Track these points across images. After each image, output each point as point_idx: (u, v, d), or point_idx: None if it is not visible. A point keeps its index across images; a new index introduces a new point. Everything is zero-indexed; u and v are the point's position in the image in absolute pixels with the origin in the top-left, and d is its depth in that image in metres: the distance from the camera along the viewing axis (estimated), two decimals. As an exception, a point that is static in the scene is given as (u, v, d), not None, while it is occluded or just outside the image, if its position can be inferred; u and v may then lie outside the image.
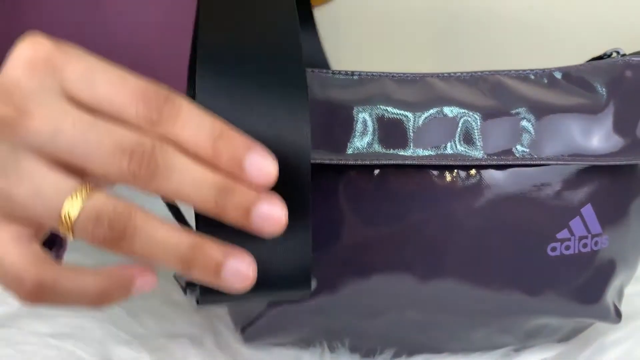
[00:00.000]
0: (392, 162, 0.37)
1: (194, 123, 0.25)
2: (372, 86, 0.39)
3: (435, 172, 0.37)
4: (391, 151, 0.37)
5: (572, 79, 0.40)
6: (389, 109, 0.38)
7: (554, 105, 0.38)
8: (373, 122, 0.37)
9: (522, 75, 0.40)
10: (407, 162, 0.37)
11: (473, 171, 0.38)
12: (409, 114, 0.37)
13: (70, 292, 0.25)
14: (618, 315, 0.41)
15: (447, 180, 0.37)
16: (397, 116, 0.37)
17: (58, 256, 0.36)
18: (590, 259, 0.39)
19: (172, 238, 0.25)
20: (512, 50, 1.02)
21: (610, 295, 0.41)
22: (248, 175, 0.25)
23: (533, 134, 0.37)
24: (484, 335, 0.41)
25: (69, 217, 0.24)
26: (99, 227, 0.24)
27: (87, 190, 0.25)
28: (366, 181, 0.37)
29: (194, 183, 0.25)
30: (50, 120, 0.25)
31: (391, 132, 0.37)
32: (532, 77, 0.40)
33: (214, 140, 0.25)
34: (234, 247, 0.25)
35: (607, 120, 0.38)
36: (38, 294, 0.25)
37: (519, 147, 0.37)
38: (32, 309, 0.43)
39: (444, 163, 0.37)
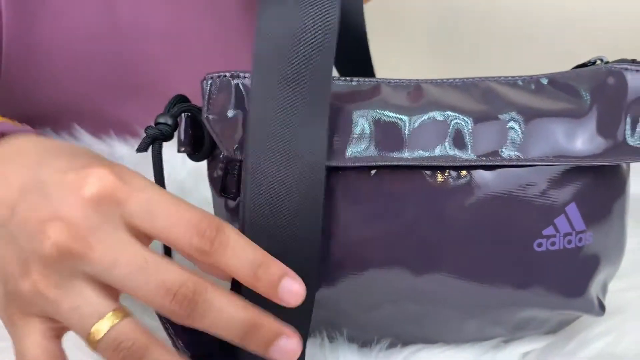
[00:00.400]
0: (387, 163, 0.39)
1: (240, 253, 0.31)
2: (369, 91, 0.41)
3: (428, 173, 0.40)
4: (387, 153, 0.39)
5: (558, 85, 0.42)
6: (386, 112, 0.40)
7: (540, 110, 0.41)
8: (370, 126, 0.40)
9: (510, 82, 0.42)
10: (401, 163, 0.39)
11: (464, 172, 0.40)
12: (405, 118, 0.40)
13: None
14: (601, 308, 0.44)
15: (439, 180, 0.40)
16: (393, 119, 0.40)
17: None
18: (575, 255, 0.41)
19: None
20: (508, 51, 1.04)
21: (594, 289, 0.43)
22: (280, 297, 0.31)
23: (520, 136, 0.40)
24: (475, 327, 0.44)
25: (95, 336, 0.29)
26: (116, 354, 0.28)
27: (119, 315, 0.29)
28: (363, 181, 0.40)
29: (226, 323, 0.30)
30: (109, 254, 0.29)
31: (387, 135, 0.40)
32: (520, 83, 0.42)
33: (256, 268, 0.31)
34: (286, 326, 0.31)
35: (590, 123, 0.41)
36: None
37: (507, 149, 0.40)
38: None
39: (436, 164, 0.39)
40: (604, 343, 0.46)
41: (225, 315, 0.30)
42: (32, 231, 0.29)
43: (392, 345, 0.44)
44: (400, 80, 0.42)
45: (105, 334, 0.28)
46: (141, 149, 0.40)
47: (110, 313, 0.29)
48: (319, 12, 0.38)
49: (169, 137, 0.40)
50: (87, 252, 0.29)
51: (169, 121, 0.40)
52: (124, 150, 0.66)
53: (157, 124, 0.40)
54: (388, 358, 0.43)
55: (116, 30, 0.59)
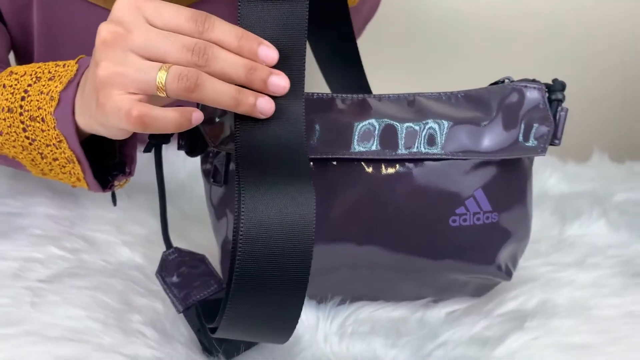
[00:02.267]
0: (336, 156, 0.51)
1: (225, 30, 0.42)
2: (325, 102, 0.53)
3: (365, 165, 0.52)
4: (335, 149, 0.51)
5: (472, 98, 0.54)
6: (339, 118, 0.52)
7: (456, 117, 0.53)
8: (322, 128, 0.52)
9: (435, 97, 0.55)
10: (345, 156, 0.51)
11: (397, 165, 0.52)
12: (355, 123, 0.52)
13: (161, 120, 0.42)
14: (508, 274, 0.56)
15: (377, 171, 0.52)
16: (344, 124, 0.52)
17: (130, 173, 0.55)
18: (483, 230, 0.53)
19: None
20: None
21: (502, 259, 0.55)
22: (260, 58, 0.42)
23: (439, 137, 0.52)
24: (408, 288, 0.56)
25: (162, 82, 0.41)
26: (181, 82, 0.40)
27: (168, 66, 0.41)
28: (318, 171, 0.52)
29: (232, 65, 0.42)
30: (143, 34, 0.41)
31: (338, 135, 0.52)
32: (443, 97, 0.55)
33: (238, 39, 0.42)
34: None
35: (496, 127, 0.53)
36: (142, 120, 0.41)
37: (428, 147, 0.52)
38: (73, 269, 0.58)
39: (373, 157, 0.51)
40: (516, 304, 0.57)
41: (230, 61, 0.41)
42: (96, 42, 0.43)
43: (342, 302, 0.56)
44: (349, 95, 0.55)
45: (167, 76, 0.40)
46: (147, 150, 0.52)
47: (162, 65, 0.41)
48: None
49: (167, 142, 0.52)
50: (129, 34, 0.41)
51: None
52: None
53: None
54: (338, 312, 0.54)
55: None
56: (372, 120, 0.52)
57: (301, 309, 0.42)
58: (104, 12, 0.69)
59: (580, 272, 0.62)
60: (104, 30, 0.42)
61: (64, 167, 0.52)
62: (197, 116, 0.43)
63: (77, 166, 0.51)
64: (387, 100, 0.54)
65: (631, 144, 1.07)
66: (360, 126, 0.52)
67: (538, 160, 0.85)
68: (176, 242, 0.53)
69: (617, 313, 0.56)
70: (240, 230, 0.40)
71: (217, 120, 0.52)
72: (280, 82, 0.43)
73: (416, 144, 0.51)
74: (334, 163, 0.52)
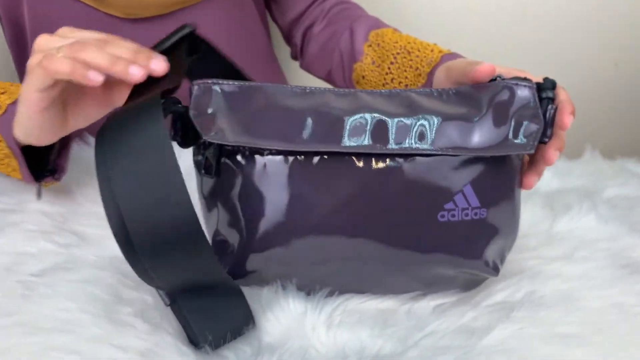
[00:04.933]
0: (327, 149, 0.52)
1: (125, 47, 0.52)
2: (317, 96, 0.54)
3: (356, 159, 0.52)
4: (327, 143, 0.52)
5: (463, 95, 0.55)
6: (330, 112, 0.53)
7: (447, 114, 0.53)
8: (314, 122, 0.52)
9: (426, 93, 0.55)
10: (336, 150, 0.52)
11: (388, 160, 0.53)
12: (346, 118, 0.52)
13: (56, 63, 0.52)
14: (496, 270, 0.56)
15: (367, 165, 0.52)
16: (335, 118, 0.53)
17: (57, 179, 0.66)
18: (471, 225, 0.53)
19: (121, 52, 0.53)
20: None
21: (490, 254, 0.55)
22: (152, 69, 0.52)
23: (429, 133, 0.53)
24: (396, 281, 0.56)
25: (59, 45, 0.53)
26: (73, 46, 0.52)
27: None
28: (309, 165, 0.52)
29: (122, 49, 0.53)
30: (59, 38, 0.54)
31: (329, 129, 0.52)
32: (435, 94, 0.55)
33: (135, 53, 0.52)
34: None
35: (486, 124, 0.53)
36: (42, 64, 0.53)
37: (418, 143, 0.52)
38: (65, 263, 0.58)
39: (363, 152, 0.52)
40: (504, 295, 0.58)
41: (123, 47, 0.52)
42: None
43: (330, 294, 0.56)
44: (341, 89, 0.55)
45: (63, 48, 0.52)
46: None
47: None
48: None
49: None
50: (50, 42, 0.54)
51: None
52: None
53: None
54: (326, 303, 0.55)
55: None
56: (364, 115, 0.52)
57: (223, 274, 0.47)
58: (89, 10, 0.72)
59: (568, 265, 0.62)
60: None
61: (2, 160, 0.65)
62: (93, 76, 0.51)
63: (14, 160, 0.64)
64: (379, 95, 0.55)
65: (623, 141, 1.07)
66: (352, 120, 0.52)
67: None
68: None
69: (605, 304, 0.57)
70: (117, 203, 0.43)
71: (209, 111, 0.52)
72: (160, 63, 0.52)
73: (407, 139, 0.52)
74: (325, 157, 0.52)
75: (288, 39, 1.03)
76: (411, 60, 0.79)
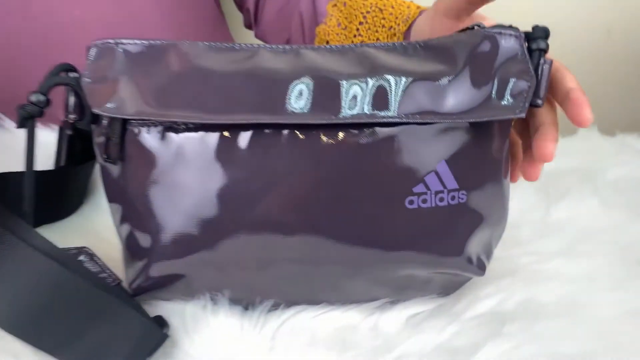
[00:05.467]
0: (262, 121, 0.40)
1: None
2: (249, 55, 0.42)
3: (299, 133, 0.40)
4: (262, 114, 0.40)
5: (433, 48, 0.43)
6: (266, 74, 0.41)
7: (413, 72, 0.41)
8: (245, 87, 0.40)
9: (387, 47, 0.43)
10: (275, 121, 0.40)
11: (339, 133, 0.41)
12: (287, 81, 0.40)
13: None
14: (481, 268, 0.44)
15: (314, 141, 0.40)
16: (271, 81, 0.40)
17: None
18: (448, 213, 0.42)
19: None
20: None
21: (473, 249, 0.44)
22: None
23: (391, 97, 0.41)
24: (358, 287, 0.44)
25: None
26: None
27: None
28: (239, 143, 0.40)
29: None
30: None
31: (264, 96, 0.40)
32: (398, 48, 0.43)
33: None
34: None
35: (462, 83, 0.41)
36: None
37: (378, 109, 0.40)
38: None
39: (307, 123, 0.40)
40: (492, 303, 0.47)
41: None
42: None
43: (274, 307, 0.44)
44: (279, 46, 0.43)
45: None
46: (19, 126, 0.42)
47: None
48: None
49: (39, 114, 0.41)
50: None
51: (40, 98, 0.41)
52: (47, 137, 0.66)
53: (28, 102, 0.41)
54: (268, 319, 0.43)
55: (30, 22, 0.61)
56: (308, 76, 0.41)
57: None
58: None
59: (569, 263, 0.51)
60: None
61: None
62: None
63: None
64: (327, 52, 0.43)
65: (621, 115, 0.96)
66: (294, 84, 0.41)
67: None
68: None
69: (617, 312, 0.46)
70: None
71: (108, 78, 0.40)
72: None
73: (363, 106, 0.40)
74: (260, 132, 0.40)
75: (240, 4, 0.90)
76: (384, 18, 0.66)
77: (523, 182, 0.64)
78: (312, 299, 0.45)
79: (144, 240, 0.42)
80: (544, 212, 0.60)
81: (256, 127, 0.41)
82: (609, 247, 0.54)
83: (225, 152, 0.40)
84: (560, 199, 0.61)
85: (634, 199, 0.62)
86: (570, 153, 0.72)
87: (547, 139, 0.43)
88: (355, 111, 0.40)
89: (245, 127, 0.41)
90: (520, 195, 0.61)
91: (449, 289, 0.47)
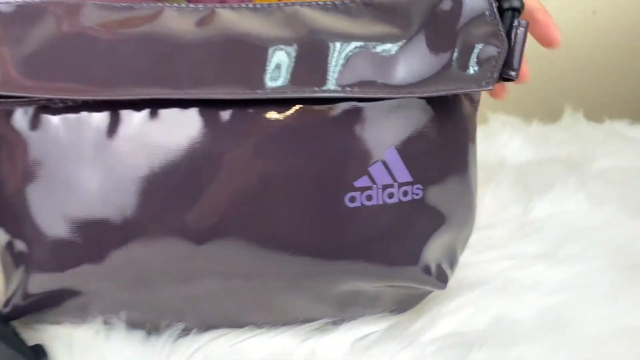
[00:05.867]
0: (152, 97, 0.31)
1: None
2: (148, 15, 0.33)
3: (205, 113, 0.32)
4: (160, 87, 0.31)
5: (380, 7, 0.35)
6: (167, 39, 0.32)
7: (354, 35, 0.33)
8: (139, 54, 0.32)
9: (325, 6, 0.35)
10: (173, 96, 0.31)
11: (260, 112, 0.32)
12: (190, 46, 0.32)
13: None
14: (442, 279, 0.36)
15: (225, 122, 0.32)
16: (173, 47, 0.32)
17: None
18: (400, 212, 0.34)
19: None
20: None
21: (432, 256, 0.35)
22: None
23: (329, 65, 0.32)
24: (291, 305, 0.36)
25: None
26: None
27: None
28: (129, 125, 0.32)
29: None
30: None
31: (163, 65, 0.32)
32: (338, 5, 0.35)
33: None
34: None
35: (417, 49, 0.33)
36: None
37: (309, 82, 0.32)
38: None
39: (214, 97, 0.31)
40: (457, 322, 0.38)
41: None
42: None
43: (185, 332, 0.35)
44: (189, 6, 0.35)
45: None
46: None
47: None
48: None
49: None
50: None
51: None
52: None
53: None
54: (177, 348, 0.34)
55: None
56: (221, 42, 0.32)
57: None
58: None
59: (552, 269, 0.43)
60: None
61: None
62: None
63: None
64: (249, 11, 0.35)
65: (609, 100, 0.89)
66: (200, 49, 0.32)
67: (493, 120, 0.66)
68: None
69: (608, 329, 0.38)
70: None
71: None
72: None
73: (287, 76, 0.32)
74: (157, 111, 0.32)
75: None
76: None
77: (500, 176, 0.56)
78: (235, 321, 0.37)
79: (21, 248, 0.34)
80: (521, 208, 0.52)
81: (153, 105, 0.32)
82: (598, 249, 0.46)
83: (114, 137, 0.32)
84: (541, 194, 0.53)
85: (625, 192, 0.54)
86: (552, 141, 0.65)
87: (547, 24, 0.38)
88: (279, 82, 0.31)
89: (139, 104, 0.32)
90: (494, 188, 0.53)
91: (404, 304, 0.39)
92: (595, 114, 0.73)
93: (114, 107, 0.32)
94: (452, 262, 0.38)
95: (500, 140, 0.63)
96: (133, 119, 0.32)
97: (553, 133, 0.67)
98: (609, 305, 0.40)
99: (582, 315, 0.39)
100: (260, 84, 0.31)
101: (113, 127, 0.32)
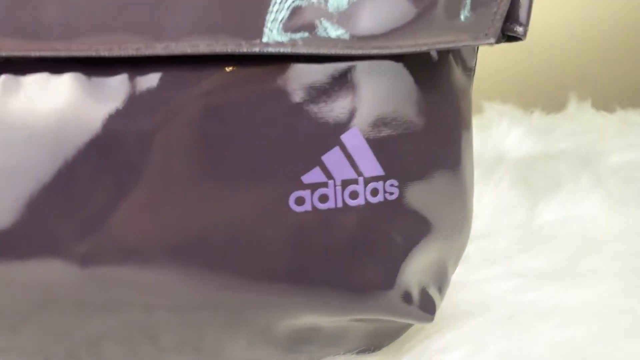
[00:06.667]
0: (23, 54, 0.22)
1: None
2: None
3: (79, 75, 0.22)
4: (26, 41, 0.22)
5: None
6: None
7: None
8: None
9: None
10: (44, 54, 0.22)
11: (154, 75, 0.23)
12: None
13: None
14: (426, 309, 0.27)
15: (103, 88, 0.22)
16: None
17: None
18: (367, 219, 0.24)
19: None
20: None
21: (413, 279, 0.26)
22: None
23: (266, 15, 0.23)
24: (228, 344, 0.27)
25: None
26: None
27: None
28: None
29: None
30: None
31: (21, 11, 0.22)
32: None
33: None
34: None
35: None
36: None
37: (239, 38, 0.22)
38: None
39: (97, 54, 0.22)
40: (449, 363, 0.29)
41: None
42: None
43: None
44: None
45: None
46: None
47: None
48: None
49: None
50: None
51: None
52: None
53: None
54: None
55: None
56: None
57: None
58: None
59: (569, 291, 0.35)
60: None
61: None
62: None
63: None
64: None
65: (621, 87, 0.81)
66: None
67: (489, 109, 0.58)
68: None
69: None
70: None
71: None
72: None
73: (190, 23, 0.22)
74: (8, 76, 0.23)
75: None
76: None
77: (498, 173, 0.48)
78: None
79: None
80: (526, 213, 0.43)
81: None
82: (622, 264, 0.38)
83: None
84: (548, 195, 0.45)
85: (649, 191, 0.45)
86: (557, 133, 0.57)
87: None
88: (192, 38, 0.22)
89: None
90: (492, 188, 0.45)
91: (377, 340, 0.29)
92: (604, 102, 0.65)
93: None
94: (442, 284, 0.28)
95: (498, 132, 0.55)
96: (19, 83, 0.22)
97: (558, 124, 0.60)
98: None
99: (613, 352, 0.30)
100: (164, 34, 0.22)
101: None
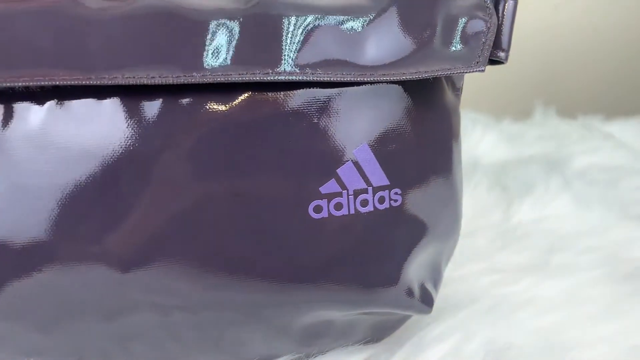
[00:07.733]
0: (60, 82, 0.24)
1: None
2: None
3: (127, 101, 0.25)
4: (63, 71, 0.24)
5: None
6: (77, 16, 0.25)
7: (315, 7, 0.27)
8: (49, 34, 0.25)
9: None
10: (80, 81, 0.24)
11: (203, 102, 0.25)
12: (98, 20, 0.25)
13: None
14: (426, 301, 0.30)
15: (146, 112, 0.25)
16: (77, 21, 0.25)
17: None
18: (376, 223, 0.27)
19: None
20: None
21: (414, 275, 0.30)
22: None
23: (284, 42, 0.26)
24: (247, 340, 0.29)
25: None
26: None
27: None
28: (28, 118, 0.25)
29: None
30: None
31: (64, 42, 0.25)
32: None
33: None
34: None
35: (389, 24, 0.27)
36: None
37: (261, 62, 0.25)
38: None
39: (136, 82, 0.24)
40: (442, 352, 0.32)
41: None
42: None
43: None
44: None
45: None
46: None
47: None
48: None
49: None
50: None
51: None
52: None
53: None
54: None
55: None
56: (149, 13, 0.25)
57: None
58: None
59: (544, 282, 0.38)
60: None
61: None
62: None
63: None
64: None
65: (582, 95, 0.84)
66: (114, 25, 0.25)
67: (462, 117, 0.61)
68: None
69: (613, 349, 0.32)
70: None
71: None
72: None
73: (228, 56, 0.25)
74: (70, 103, 0.25)
75: None
76: None
77: (475, 177, 0.50)
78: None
79: None
80: (503, 213, 0.46)
81: (59, 95, 0.25)
82: (590, 257, 0.41)
83: (7, 137, 0.25)
84: (522, 196, 0.48)
85: (610, 193, 0.49)
86: (527, 139, 0.60)
87: None
88: (219, 61, 0.25)
89: (40, 95, 0.25)
90: (471, 192, 0.47)
91: (380, 332, 0.33)
92: (567, 110, 0.69)
93: (8, 98, 0.25)
94: (436, 280, 0.32)
95: (472, 138, 0.57)
96: (31, 114, 0.25)
97: (526, 130, 0.62)
98: (611, 323, 0.34)
99: (582, 336, 0.33)
100: (197, 64, 0.25)
101: (5, 124, 0.25)
